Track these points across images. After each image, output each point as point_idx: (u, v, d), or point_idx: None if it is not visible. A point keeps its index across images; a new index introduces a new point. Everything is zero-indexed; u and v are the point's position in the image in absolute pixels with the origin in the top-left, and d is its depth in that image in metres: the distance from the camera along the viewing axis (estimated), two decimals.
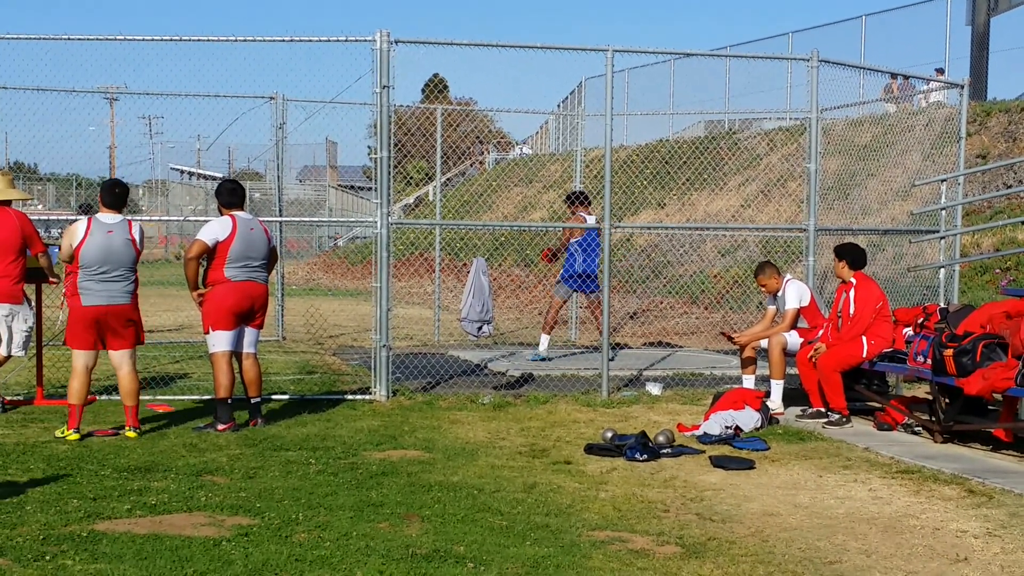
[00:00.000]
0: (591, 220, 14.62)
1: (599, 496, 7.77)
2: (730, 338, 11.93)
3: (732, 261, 21.85)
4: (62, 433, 9.49)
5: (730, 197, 24.92)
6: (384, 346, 11.53)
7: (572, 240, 14.82)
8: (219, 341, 9.92)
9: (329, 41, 11.50)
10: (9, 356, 10.71)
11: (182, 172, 41.53)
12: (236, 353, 10.09)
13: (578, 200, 15.03)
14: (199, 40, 11.58)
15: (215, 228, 9.94)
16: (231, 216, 10.02)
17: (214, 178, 37.38)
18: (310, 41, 11.54)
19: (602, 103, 12.14)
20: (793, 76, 25.94)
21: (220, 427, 9.77)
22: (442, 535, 6.67)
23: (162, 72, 12.15)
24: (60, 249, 11.06)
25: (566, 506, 7.45)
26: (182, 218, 20.42)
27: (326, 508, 7.23)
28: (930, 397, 10.33)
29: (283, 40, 11.61)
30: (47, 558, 6.04)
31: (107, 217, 9.69)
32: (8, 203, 10.64)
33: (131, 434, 9.50)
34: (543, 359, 14.53)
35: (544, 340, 14.80)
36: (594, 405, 11.56)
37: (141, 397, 10.54)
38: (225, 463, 8.52)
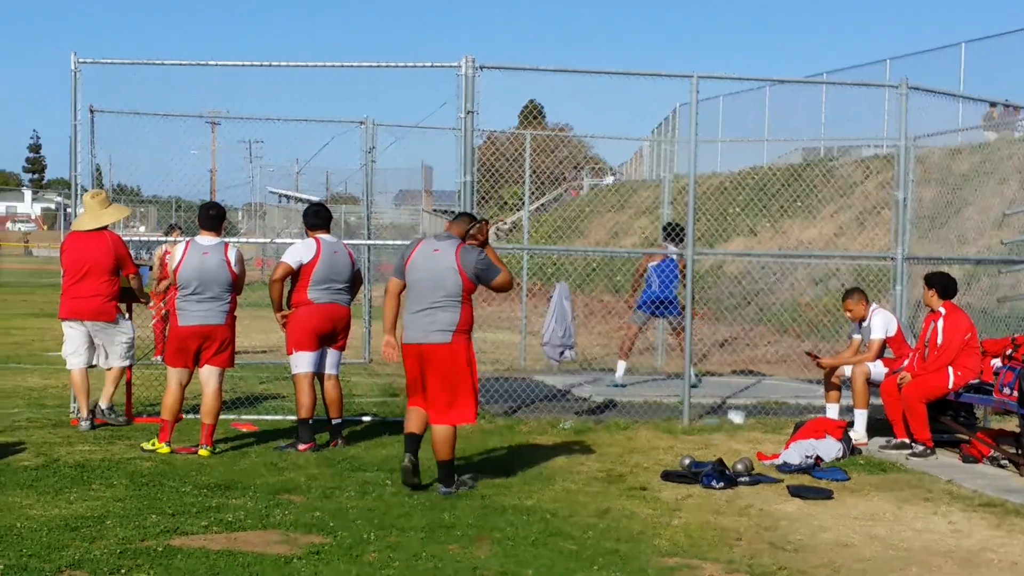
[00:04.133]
0: (672, 248, 14.61)
1: (672, 523, 7.73)
2: (815, 359, 11.80)
3: (824, 290, 21.61)
4: (152, 446, 9.73)
5: (823, 225, 24.66)
6: None
7: (651, 264, 14.79)
8: (301, 362, 10.07)
9: (415, 67, 11.63)
10: (109, 368, 11.04)
11: (280, 196, 42.12)
12: (319, 374, 10.23)
13: (669, 236, 14.96)
14: (289, 65, 11.79)
15: (299, 250, 10.12)
16: (315, 238, 10.19)
17: (310, 202, 37.84)
18: (397, 67, 11.68)
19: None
20: (890, 103, 25.63)
21: (301, 447, 9.90)
22: (511, 558, 6.69)
23: (262, 97, 12.38)
24: (151, 269, 11.37)
25: (638, 532, 7.43)
26: (268, 240, 20.70)
27: (398, 528, 7.29)
28: (1018, 430, 10.12)
29: (371, 65, 11.75)
30: (122, 572, 6.20)
31: (204, 239, 9.96)
32: (104, 227, 10.98)
33: (204, 452, 9.68)
34: (620, 386, 14.48)
35: (621, 366, 14.77)
36: (675, 432, 11.50)
37: (226, 416, 10.80)
38: (303, 482, 8.64)
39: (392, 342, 8.77)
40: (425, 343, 8.44)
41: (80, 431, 10.70)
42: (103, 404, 11.00)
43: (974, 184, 16.67)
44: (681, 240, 15.09)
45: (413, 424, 8.59)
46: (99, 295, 10.82)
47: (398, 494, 8.31)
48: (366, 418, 11.77)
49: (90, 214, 11.02)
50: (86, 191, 11.60)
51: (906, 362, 10.96)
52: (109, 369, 11.09)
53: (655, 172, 35.79)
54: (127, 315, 11.28)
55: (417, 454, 8.49)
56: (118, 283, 11.00)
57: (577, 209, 34.08)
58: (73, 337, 10.95)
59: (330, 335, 10.17)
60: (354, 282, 10.43)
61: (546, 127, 42.26)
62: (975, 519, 8.05)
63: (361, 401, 12.99)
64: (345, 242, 10.78)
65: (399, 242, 30.89)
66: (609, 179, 40.16)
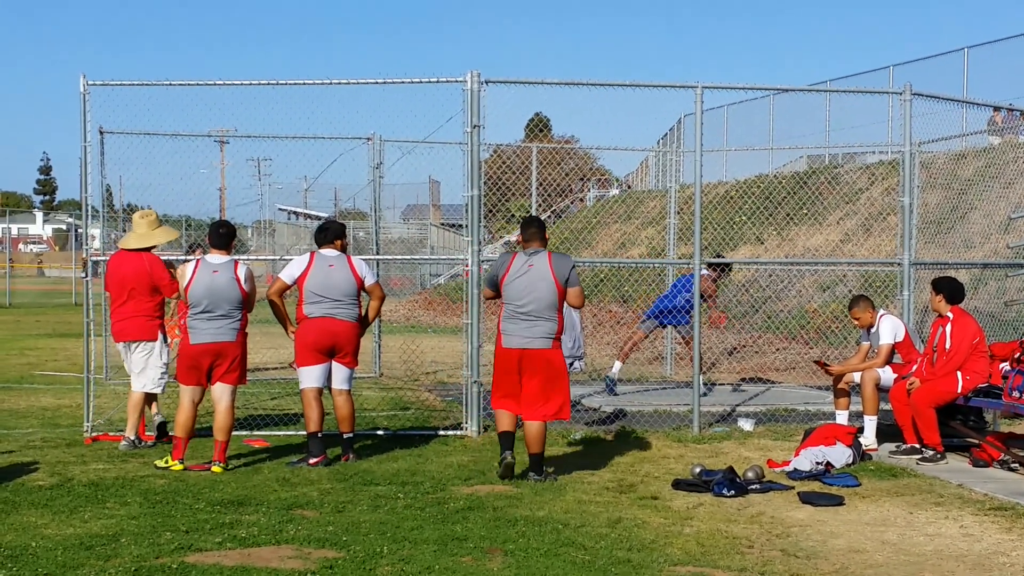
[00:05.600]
0: (705, 272, 14.71)
1: (683, 531, 7.76)
2: (824, 367, 11.84)
3: (831, 296, 21.63)
4: (165, 463, 9.78)
5: (830, 232, 24.68)
6: (475, 382, 11.63)
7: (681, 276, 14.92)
8: (304, 377, 10.14)
9: (421, 82, 11.69)
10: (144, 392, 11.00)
11: (289, 213, 42.22)
12: (328, 388, 10.26)
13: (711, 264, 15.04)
14: (296, 83, 11.84)
15: (292, 265, 10.25)
16: (311, 253, 10.25)
17: (319, 218, 37.98)
18: (402, 83, 11.74)
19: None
20: (893, 109, 25.67)
21: (312, 461, 9.95)
22: (524, 569, 6.73)
23: (270, 115, 12.41)
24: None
25: (649, 541, 7.46)
26: (278, 257, 20.81)
27: (411, 542, 7.33)
28: None
29: (377, 82, 11.82)
30: None
31: (214, 258, 10.03)
32: (149, 248, 10.99)
33: (217, 468, 9.73)
34: (612, 382, 14.54)
35: (617, 365, 14.86)
36: (685, 441, 11.53)
37: (239, 432, 10.84)
38: (315, 497, 8.68)
39: None
40: (528, 348, 9.36)
41: (90, 447, 10.76)
42: (130, 435, 10.93)
43: (979, 188, 16.68)
44: (719, 269, 15.02)
45: (506, 423, 9.52)
46: (140, 315, 10.84)
47: (410, 507, 8.35)
48: (377, 432, 11.81)
49: (136, 233, 11.04)
50: (97, 211, 11.66)
51: (915, 367, 10.98)
52: (132, 391, 11.01)
53: (661, 182, 35.80)
54: (167, 339, 11.24)
55: (513, 449, 9.42)
56: (159, 301, 11.03)
57: (584, 220, 34.13)
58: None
59: (331, 349, 10.17)
60: (376, 296, 10.41)
61: (552, 139, 42.35)
62: (986, 523, 8.07)
63: (371, 415, 13.03)
64: (362, 257, 10.77)
65: (407, 257, 31.15)
66: (615, 190, 40.22)
